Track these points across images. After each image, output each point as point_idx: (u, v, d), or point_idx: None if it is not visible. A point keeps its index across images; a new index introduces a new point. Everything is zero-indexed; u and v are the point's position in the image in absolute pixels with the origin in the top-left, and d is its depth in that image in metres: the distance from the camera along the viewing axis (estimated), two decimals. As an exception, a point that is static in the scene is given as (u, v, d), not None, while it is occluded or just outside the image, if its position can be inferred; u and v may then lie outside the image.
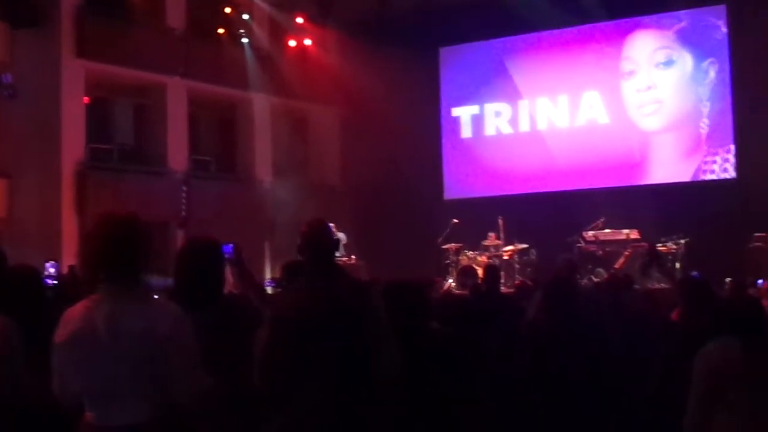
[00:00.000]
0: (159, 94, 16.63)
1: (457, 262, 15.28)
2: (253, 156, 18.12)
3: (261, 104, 18.08)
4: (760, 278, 9.08)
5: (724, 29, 15.66)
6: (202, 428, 3.15)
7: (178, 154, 16.64)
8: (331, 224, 14.87)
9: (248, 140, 18.23)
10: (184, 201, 16.31)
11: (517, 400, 5.07)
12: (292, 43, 18.37)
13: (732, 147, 15.54)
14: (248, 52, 17.52)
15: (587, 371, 4.71)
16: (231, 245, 3.95)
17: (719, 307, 4.50)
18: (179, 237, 15.38)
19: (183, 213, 16.24)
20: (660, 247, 13.63)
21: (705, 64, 15.87)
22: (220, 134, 18.75)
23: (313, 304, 3.52)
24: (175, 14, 16.74)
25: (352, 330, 3.48)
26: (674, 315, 5.44)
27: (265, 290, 4.86)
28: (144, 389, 2.80)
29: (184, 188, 16.45)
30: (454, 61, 18.54)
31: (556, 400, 4.76)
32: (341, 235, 15.61)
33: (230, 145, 18.45)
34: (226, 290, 3.77)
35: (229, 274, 3.85)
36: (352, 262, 15.12)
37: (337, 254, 14.92)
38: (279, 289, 6.97)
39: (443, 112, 18.58)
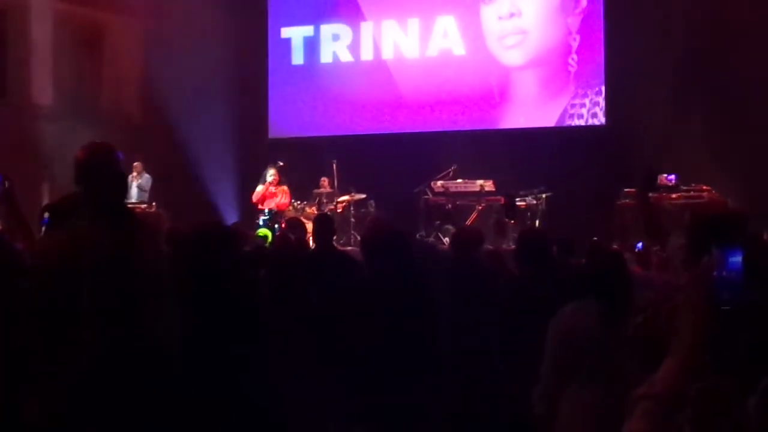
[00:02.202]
0: None
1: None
2: (28, 75, 17.23)
3: (40, 10, 17.18)
4: (632, 240, 9.37)
5: (600, -51, 16.04)
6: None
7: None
8: (136, 163, 14.23)
9: (22, 55, 17.29)
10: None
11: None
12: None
13: (603, 89, 15.99)
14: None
15: (415, 338, 4.68)
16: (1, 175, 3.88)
17: (576, 266, 4.68)
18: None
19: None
20: (518, 202, 13.95)
21: (576, -10, 16.21)
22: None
23: (76, 252, 3.39)
24: None
25: (121, 285, 3.39)
26: None
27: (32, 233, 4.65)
28: None
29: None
30: (286, -30, 18.23)
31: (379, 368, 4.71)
32: (146, 177, 15.14)
33: (-2, 61, 17.46)
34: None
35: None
36: (152, 209, 14.68)
37: (134, 200, 14.50)
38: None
39: (271, 33, 18.27)
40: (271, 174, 14.93)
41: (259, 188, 15.05)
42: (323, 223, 7.49)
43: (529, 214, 14.00)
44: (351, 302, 5.02)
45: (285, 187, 15.02)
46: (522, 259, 5.70)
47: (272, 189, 14.92)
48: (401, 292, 4.79)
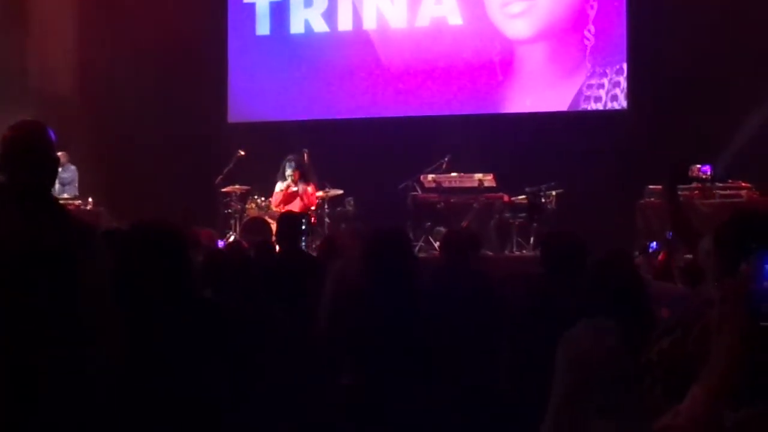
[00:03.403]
0: None
1: (242, 211, 15.15)
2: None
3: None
4: (654, 241, 9.38)
5: None
6: None
7: None
8: (60, 153, 14.31)
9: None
10: None
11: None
12: None
13: (624, 67, 15.99)
14: None
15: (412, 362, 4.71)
16: None
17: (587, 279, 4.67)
18: None
19: None
20: (520, 200, 13.97)
21: (595, -52, 16.23)
22: None
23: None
24: None
25: (51, 287, 3.39)
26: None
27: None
28: None
29: None
30: None
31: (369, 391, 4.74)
32: (71, 168, 15.07)
33: None
34: None
35: None
36: (89, 206, 14.63)
37: (65, 195, 14.46)
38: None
39: (231, -3, 18.22)
40: (289, 172, 14.85)
41: (278, 189, 15.01)
42: (288, 222, 7.47)
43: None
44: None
45: (309, 187, 14.91)
46: (553, 267, 5.61)
47: (294, 189, 14.84)
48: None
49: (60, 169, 14.67)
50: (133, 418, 3.60)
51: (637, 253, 12.70)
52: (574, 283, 5.34)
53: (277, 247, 8.21)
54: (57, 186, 14.62)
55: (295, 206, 14.49)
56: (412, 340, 4.93)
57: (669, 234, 7.92)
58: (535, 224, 13.36)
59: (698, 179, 12.75)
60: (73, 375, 3.39)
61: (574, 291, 5.22)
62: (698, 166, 12.85)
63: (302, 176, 14.86)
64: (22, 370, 3.33)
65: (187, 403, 3.75)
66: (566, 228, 12.95)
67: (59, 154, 13.45)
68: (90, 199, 15.12)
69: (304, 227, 13.22)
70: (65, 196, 14.66)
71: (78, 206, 14.23)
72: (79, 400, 3.40)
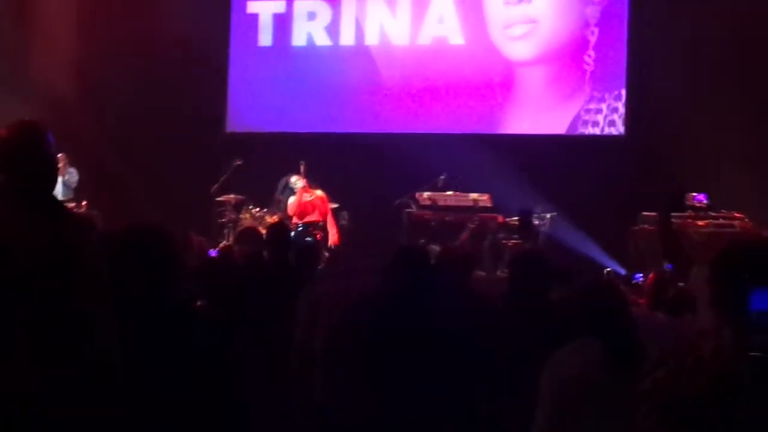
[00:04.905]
0: None
1: (237, 221, 15.10)
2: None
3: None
4: (643, 270, 9.40)
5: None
6: None
7: None
8: (60, 154, 14.17)
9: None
10: None
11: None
12: None
13: (623, 92, 16.01)
14: None
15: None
16: None
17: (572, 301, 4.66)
18: None
19: None
20: (513, 220, 13.96)
21: (598, -26, 16.26)
22: None
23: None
24: None
25: (47, 287, 3.36)
26: None
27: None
28: None
29: None
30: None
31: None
32: (71, 171, 15.05)
33: None
34: None
35: None
36: (82, 209, 14.59)
37: (61, 197, 14.39)
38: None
39: (234, 6, 18.21)
40: (300, 184, 15.03)
41: (292, 200, 15.07)
42: (278, 232, 7.44)
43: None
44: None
45: (319, 192, 15.02)
46: (516, 287, 5.65)
47: (308, 197, 14.91)
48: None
49: (62, 170, 14.87)
50: (117, 421, 3.59)
51: (607, 270, 12.80)
52: (537, 306, 5.36)
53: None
54: (60, 188, 14.64)
55: (314, 217, 14.64)
56: (413, 353, 4.92)
57: (668, 266, 7.92)
58: (527, 243, 13.34)
59: (693, 207, 12.77)
60: (72, 375, 3.38)
61: (537, 314, 5.24)
62: (693, 194, 12.87)
63: (311, 183, 15.00)
64: (22, 369, 3.32)
65: (166, 408, 3.74)
66: (558, 251, 13.07)
67: (59, 155, 13.35)
68: (84, 202, 15.07)
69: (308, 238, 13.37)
70: (62, 198, 14.62)
71: (71, 209, 14.15)
72: (77, 400, 3.38)
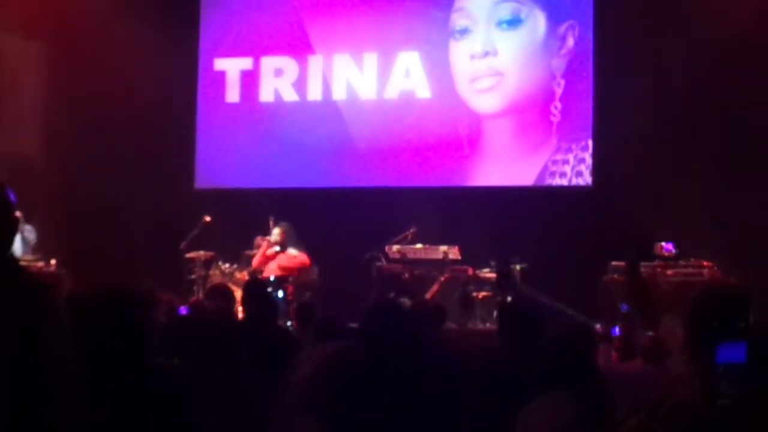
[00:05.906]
0: None
1: (206, 277, 15.03)
2: None
3: None
4: (613, 320, 9.41)
5: (590, -17, 16.27)
6: None
7: None
8: (17, 213, 14.09)
9: None
10: None
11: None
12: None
13: (590, 143, 16.11)
14: None
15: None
16: None
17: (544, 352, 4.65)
18: None
19: None
20: (485, 273, 13.98)
21: (562, 28, 16.38)
22: None
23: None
24: None
25: (9, 354, 3.30)
26: None
27: None
28: None
29: None
30: (221, -9, 18.30)
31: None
32: (28, 229, 14.90)
33: None
34: None
35: None
36: (51, 269, 14.49)
37: (21, 256, 14.28)
38: None
39: (202, 63, 18.23)
40: (276, 232, 15.08)
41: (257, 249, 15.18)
42: (255, 289, 7.43)
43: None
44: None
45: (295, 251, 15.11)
46: (510, 337, 5.60)
47: (276, 249, 14.94)
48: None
49: (28, 230, 14.75)
50: None
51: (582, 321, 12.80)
52: (531, 354, 5.34)
53: (240, 314, 8.16)
54: (20, 246, 14.49)
55: (274, 267, 14.64)
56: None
57: (624, 307, 7.92)
58: (507, 294, 13.28)
59: (661, 257, 12.80)
60: None
61: (530, 363, 5.22)
62: (662, 243, 12.89)
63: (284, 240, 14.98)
64: None
65: None
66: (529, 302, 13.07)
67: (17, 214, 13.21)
68: (53, 261, 14.98)
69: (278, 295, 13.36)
70: (28, 257, 14.49)
71: (40, 268, 14.06)
72: None
